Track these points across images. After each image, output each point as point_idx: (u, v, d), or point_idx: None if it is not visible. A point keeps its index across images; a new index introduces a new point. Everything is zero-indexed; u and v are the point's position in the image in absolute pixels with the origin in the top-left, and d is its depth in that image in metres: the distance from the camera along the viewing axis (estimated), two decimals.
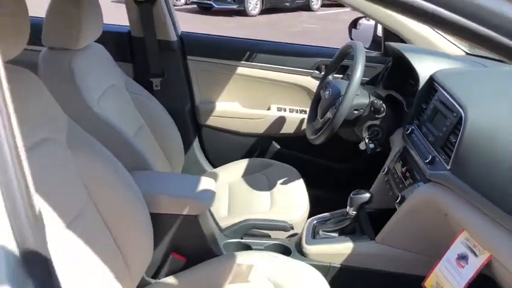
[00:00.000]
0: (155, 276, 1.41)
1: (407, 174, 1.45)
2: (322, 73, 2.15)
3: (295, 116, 2.23)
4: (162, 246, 1.40)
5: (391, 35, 2.08)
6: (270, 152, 2.27)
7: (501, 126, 1.16)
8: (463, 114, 1.25)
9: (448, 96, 1.40)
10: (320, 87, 1.93)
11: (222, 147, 2.26)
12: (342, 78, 2.13)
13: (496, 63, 1.82)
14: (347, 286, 1.38)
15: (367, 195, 1.46)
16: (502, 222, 1.02)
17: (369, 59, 2.05)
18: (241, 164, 2.08)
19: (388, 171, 1.58)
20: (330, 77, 1.92)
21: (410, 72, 1.70)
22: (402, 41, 2.08)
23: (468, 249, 1.08)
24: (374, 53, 2.19)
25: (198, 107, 2.21)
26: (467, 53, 2.06)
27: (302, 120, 2.21)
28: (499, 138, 1.13)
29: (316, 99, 1.94)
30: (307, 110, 2.18)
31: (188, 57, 2.14)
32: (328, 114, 1.73)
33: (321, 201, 1.81)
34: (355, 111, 1.70)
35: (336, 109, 1.61)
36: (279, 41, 2.36)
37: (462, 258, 1.08)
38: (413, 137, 1.52)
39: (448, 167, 1.22)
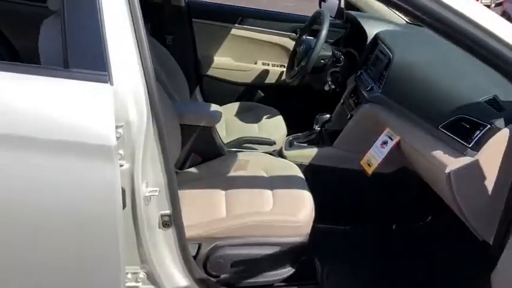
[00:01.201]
0: (181, 168, 2.02)
1: (356, 101, 2.09)
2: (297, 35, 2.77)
3: (276, 69, 2.84)
4: (185, 148, 2.01)
5: (351, 7, 2.71)
6: (257, 97, 2.89)
7: (416, 62, 1.81)
8: (391, 56, 1.90)
9: (384, 46, 2.04)
10: (296, 44, 2.54)
11: (218, 92, 2.86)
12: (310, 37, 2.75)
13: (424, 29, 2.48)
14: (312, 178, 2.01)
15: (327, 115, 2.10)
16: (408, 117, 1.67)
17: (333, 25, 2.66)
18: (234, 106, 2.69)
19: (343, 103, 2.23)
20: (304, 36, 2.53)
21: (361, 32, 2.34)
22: (359, 10, 2.71)
23: (388, 137, 1.74)
24: (338, 21, 2.81)
25: (200, 60, 2.79)
26: (407, 22, 2.70)
27: (281, 73, 2.83)
28: (414, 71, 1.78)
29: (293, 54, 2.55)
30: (286, 64, 2.81)
31: (194, 19, 2.72)
32: (302, 63, 2.34)
33: (295, 127, 2.44)
34: (322, 61, 2.32)
35: (308, 58, 2.23)
36: (266, 9, 2.97)
37: (384, 143, 1.74)
38: (361, 77, 2.17)
39: (380, 90, 1.87)
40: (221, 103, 2.76)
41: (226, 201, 1.71)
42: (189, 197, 1.68)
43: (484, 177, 1.38)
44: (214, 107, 2.17)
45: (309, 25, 2.51)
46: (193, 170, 1.98)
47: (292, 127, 2.43)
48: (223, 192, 1.76)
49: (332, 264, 1.79)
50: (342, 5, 2.84)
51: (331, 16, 2.39)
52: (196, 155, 2.03)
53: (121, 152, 1.19)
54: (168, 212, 1.36)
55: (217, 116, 2.02)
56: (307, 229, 1.62)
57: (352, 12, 2.48)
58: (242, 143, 2.25)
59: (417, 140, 1.58)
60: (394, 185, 2.01)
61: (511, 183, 1.32)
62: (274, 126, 2.42)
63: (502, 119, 1.34)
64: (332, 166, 2.07)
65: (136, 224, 1.30)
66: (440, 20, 1.14)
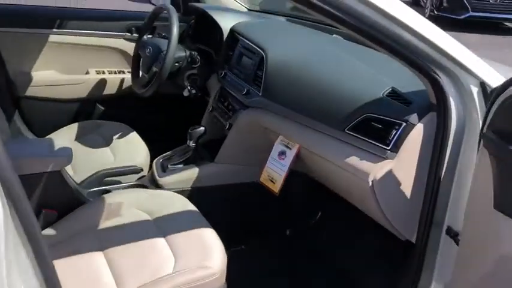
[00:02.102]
0: None
1: (230, 107, 1.85)
2: (135, 35, 2.37)
3: (114, 77, 2.40)
4: (32, 204, 1.50)
5: None
6: (96, 114, 2.41)
7: (294, 59, 1.63)
8: (263, 54, 1.69)
9: (248, 42, 1.83)
10: (138, 47, 2.15)
11: (45, 116, 2.29)
12: (152, 37, 2.38)
13: (271, 16, 2.34)
14: (200, 203, 1.73)
15: (202, 128, 1.81)
16: (303, 122, 1.50)
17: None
18: (72, 129, 2.18)
19: (213, 109, 1.96)
20: (145, 37, 2.16)
21: (212, 27, 2.08)
22: (198, 1, 2.44)
23: (285, 147, 1.55)
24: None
25: (12, 80, 2.18)
26: (248, 9, 2.54)
27: (122, 80, 2.40)
28: (292, 66, 1.60)
29: (137, 58, 2.16)
30: (125, 70, 2.39)
31: None
32: (154, 69, 1.99)
33: (158, 145, 2.08)
34: (176, 64, 2.00)
35: (162, 63, 1.88)
36: (86, 8, 2.45)
37: (282, 153, 1.54)
38: (227, 78, 1.92)
39: (260, 94, 1.66)
40: (52, 129, 2.22)
41: (110, 266, 1.31)
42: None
43: (404, 178, 1.30)
44: (60, 140, 1.68)
45: (149, 23, 2.14)
46: (49, 231, 1.49)
47: (154, 144, 2.07)
48: (101, 253, 1.36)
49: None
50: None
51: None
52: (48, 211, 1.54)
53: None
54: None
55: (68, 155, 1.55)
56: (224, 275, 1.34)
57: (198, 4, 2.20)
58: (101, 179, 1.81)
59: (323, 147, 1.42)
60: (284, 190, 1.85)
61: (427, 179, 1.27)
62: (132, 148, 2.02)
63: (416, 114, 1.25)
64: (218, 185, 1.81)
65: None
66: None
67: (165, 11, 2.03)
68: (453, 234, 1.29)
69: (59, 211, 1.56)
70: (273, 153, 1.57)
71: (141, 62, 2.10)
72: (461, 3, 8.74)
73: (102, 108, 2.43)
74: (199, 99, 2.11)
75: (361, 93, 1.38)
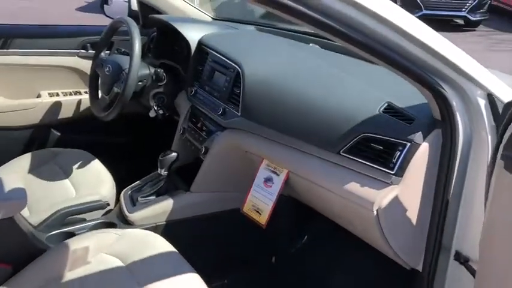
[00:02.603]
0: None
1: (203, 128, 1.67)
2: (90, 51, 2.15)
3: (70, 99, 2.17)
4: None
5: (147, 8, 2.23)
6: (51, 140, 2.17)
7: (274, 75, 1.48)
8: (239, 70, 1.53)
9: (220, 56, 1.66)
10: (95, 65, 1.94)
11: None
12: (109, 54, 2.17)
13: (239, 25, 2.18)
14: (177, 238, 1.55)
15: (174, 154, 1.62)
16: (290, 144, 1.34)
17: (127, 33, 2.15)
18: (24, 160, 1.94)
19: (184, 131, 1.77)
20: (103, 54, 1.95)
21: (177, 40, 1.90)
22: (159, 12, 2.25)
23: (271, 172, 1.39)
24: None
25: None
26: (213, 18, 2.37)
27: (79, 102, 2.18)
28: (272, 83, 1.45)
29: (94, 78, 1.95)
30: (82, 90, 2.17)
31: None
32: (115, 89, 1.79)
33: (126, 173, 1.88)
34: (140, 82, 1.81)
35: (124, 82, 1.68)
36: (36, 24, 2.21)
37: (268, 180, 1.38)
38: (199, 96, 1.74)
39: (239, 114, 1.49)
40: (1, 161, 1.97)
41: None
42: None
43: (410, 204, 1.17)
44: (11, 175, 1.45)
45: (106, 38, 1.94)
46: None
47: (120, 173, 1.86)
48: None
49: None
50: (134, 7, 2.36)
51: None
52: (0, 266, 1.32)
53: None
54: None
55: (21, 197, 1.33)
56: None
57: (159, 16, 2.01)
58: (62, 220, 1.59)
59: (316, 172, 1.27)
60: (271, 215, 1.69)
61: (433, 202, 1.15)
62: (95, 178, 1.80)
63: (420, 132, 1.12)
64: (196, 215, 1.63)
65: None
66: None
67: (123, 25, 1.83)
68: (463, 260, 1.18)
69: (14, 264, 1.33)
70: (258, 180, 1.40)
71: (99, 82, 1.89)
72: (415, 2, 8.92)
73: (58, 134, 2.19)
74: (168, 119, 1.91)
75: (354, 110, 1.24)
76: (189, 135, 1.74)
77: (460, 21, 9.67)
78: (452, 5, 9.11)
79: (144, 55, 2.24)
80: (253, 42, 1.80)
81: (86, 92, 2.20)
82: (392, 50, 0.98)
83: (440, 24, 8.92)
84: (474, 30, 9.32)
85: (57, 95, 2.14)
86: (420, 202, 1.17)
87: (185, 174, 1.70)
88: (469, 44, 7.69)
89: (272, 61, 1.57)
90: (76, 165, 1.89)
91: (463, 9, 9.01)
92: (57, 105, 2.13)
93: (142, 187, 1.71)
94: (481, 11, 9.19)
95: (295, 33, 1.99)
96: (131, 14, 2.37)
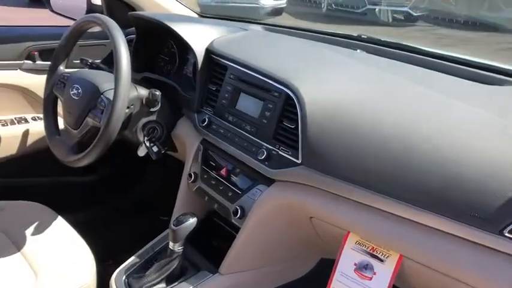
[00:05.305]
0: None
1: (231, 177, 1.15)
2: (39, 62, 1.55)
3: (11, 129, 1.55)
4: None
5: (115, 2, 1.67)
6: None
7: (341, 98, 1.00)
8: (291, 94, 1.03)
9: (251, 73, 1.15)
10: (52, 84, 1.35)
11: None
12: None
13: (244, 24, 1.68)
14: None
15: (194, 219, 1.09)
16: (397, 211, 0.88)
17: (92, 36, 1.59)
18: None
19: (196, 179, 1.24)
20: (61, 67, 1.37)
21: (164, 45, 1.37)
22: (130, 8, 1.70)
23: (367, 255, 0.91)
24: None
25: None
26: (199, 15, 1.86)
27: (26, 133, 1.56)
28: (348, 113, 0.97)
29: (52, 102, 1.36)
30: (29, 116, 1.57)
31: None
32: (90, 122, 1.22)
33: (109, 235, 1.32)
34: (126, 109, 1.25)
35: (109, 112, 1.13)
36: None
37: (364, 268, 0.91)
38: (215, 127, 1.22)
39: (299, 161, 1.00)
40: None
41: None
42: None
43: None
44: None
45: (68, 44, 1.35)
46: None
47: (98, 237, 1.30)
48: None
49: None
50: (96, 1, 1.77)
51: None
52: None
53: None
54: None
55: None
56: None
57: (143, 13, 1.45)
58: None
59: (463, 263, 0.80)
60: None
61: None
62: (61, 250, 1.23)
63: None
64: None
65: None
66: None
67: (95, 25, 1.27)
68: None
69: None
70: (344, 265, 0.92)
71: (63, 108, 1.30)
72: None
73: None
74: (162, 162, 1.38)
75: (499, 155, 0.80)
76: (206, 184, 1.21)
77: (400, 17, 9.71)
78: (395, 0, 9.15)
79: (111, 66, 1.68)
80: (287, 49, 1.29)
81: (34, 119, 1.60)
82: None
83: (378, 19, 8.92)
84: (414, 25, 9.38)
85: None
86: None
87: (202, 242, 1.18)
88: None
89: (332, 78, 1.09)
90: (29, 229, 1.30)
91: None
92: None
93: (142, 268, 1.16)
94: (422, 6, 9.26)
95: (323, 35, 1.52)
96: (91, 10, 1.78)
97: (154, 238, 1.26)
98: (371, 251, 0.91)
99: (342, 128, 0.96)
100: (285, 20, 7.85)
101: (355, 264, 0.92)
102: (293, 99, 1.03)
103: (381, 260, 0.89)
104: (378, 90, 1.03)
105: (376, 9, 8.90)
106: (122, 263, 1.20)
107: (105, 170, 1.78)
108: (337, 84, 1.05)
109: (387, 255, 0.89)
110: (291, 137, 1.03)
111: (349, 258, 0.93)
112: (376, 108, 0.97)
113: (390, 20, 8.85)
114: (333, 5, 9.28)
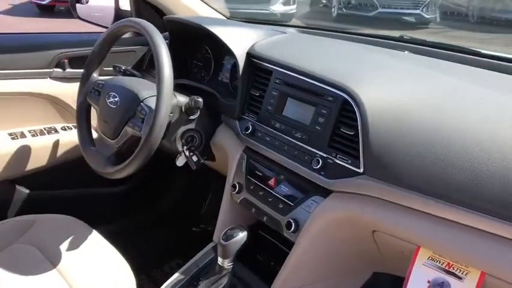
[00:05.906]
0: None
1: (283, 188, 1.08)
2: (69, 70, 1.50)
3: (42, 140, 1.49)
4: None
5: (144, 6, 1.61)
6: (17, 202, 1.49)
7: (401, 103, 0.93)
8: (350, 99, 0.97)
9: (298, 75, 1.09)
10: (85, 92, 1.29)
11: None
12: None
13: (278, 27, 1.62)
14: None
15: (244, 233, 1.03)
16: (470, 223, 0.80)
17: (123, 42, 1.53)
18: None
19: (240, 189, 1.17)
20: (95, 75, 1.31)
21: (195, 51, 1.32)
22: (158, 13, 1.65)
23: (442, 272, 0.84)
24: (131, 35, 1.66)
25: None
26: (228, 18, 1.80)
27: (56, 144, 1.51)
28: (412, 119, 0.90)
29: (85, 112, 1.30)
30: (58, 126, 1.52)
31: None
32: (130, 131, 1.16)
33: (147, 248, 1.26)
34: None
35: (151, 121, 1.07)
36: None
37: (439, 285, 0.83)
38: (260, 135, 1.16)
39: (361, 170, 0.93)
40: None
41: None
42: None
43: None
44: None
45: (102, 51, 1.30)
46: None
47: (136, 250, 1.24)
48: None
49: None
50: (123, 6, 1.73)
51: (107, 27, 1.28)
52: None
53: None
54: None
55: None
56: None
57: (179, 17, 1.40)
58: None
59: None
60: None
61: None
62: (98, 266, 1.17)
63: None
64: None
65: None
66: None
67: (133, 29, 1.21)
68: None
69: None
70: (415, 282, 0.85)
71: (98, 117, 1.25)
72: (370, 1, 8.79)
73: (26, 191, 1.51)
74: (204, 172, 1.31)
75: None
76: (252, 195, 1.15)
77: (411, 19, 9.62)
78: (406, 3, 9.08)
79: (145, 72, 1.63)
80: (336, 52, 1.23)
81: (63, 129, 1.55)
82: None
83: (392, 22, 8.84)
84: (427, 27, 9.29)
85: (23, 135, 1.46)
86: None
87: (249, 256, 1.11)
88: None
89: (389, 81, 1.02)
90: (63, 244, 1.24)
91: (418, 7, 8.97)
92: (23, 151, 1.45)
93: (188, 285, 1.09)
94: (433, 8, 9.19)
95: (363, 37, 1.46)
96: (119, 15, 1.73)
97: (184, 249, 1.20)
98: (446, 268, 0.83)
99: (404, 134, 0.89)
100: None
101: (429, 282, 0.84)
102: (350, 104, 0.96)
103: (459, 278, 0.82)
104: (438, 93, 0.96)
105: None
106: (157, 277, 1.14)
107: (134, 180, 1.73)
108: (395, 88, 0.98)
109: (466, 272, 0.82)
110: (350, 144, 0.96)
111: (421, 275, 0.85)
112: (438, 111, 0.90)
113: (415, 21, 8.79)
114: (344, 9, 9.23)
